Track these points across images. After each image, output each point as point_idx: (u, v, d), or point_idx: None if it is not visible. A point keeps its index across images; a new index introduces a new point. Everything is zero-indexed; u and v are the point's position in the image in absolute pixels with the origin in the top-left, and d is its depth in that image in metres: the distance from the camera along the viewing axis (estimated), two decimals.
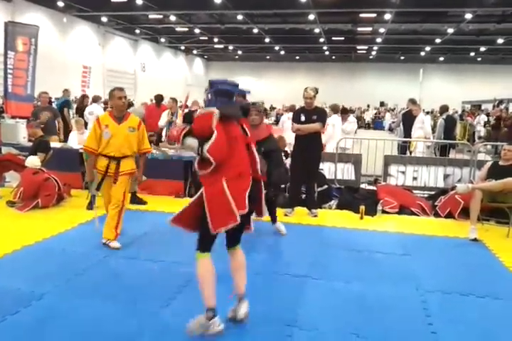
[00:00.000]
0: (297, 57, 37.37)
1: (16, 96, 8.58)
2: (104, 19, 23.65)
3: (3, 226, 5.23)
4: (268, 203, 3.45)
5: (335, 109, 9.00)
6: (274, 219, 5.29)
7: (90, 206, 6.08)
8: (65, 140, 8.31)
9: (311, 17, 20.97)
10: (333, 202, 6.74)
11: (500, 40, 25.46)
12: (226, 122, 2.89)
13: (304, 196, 6.41)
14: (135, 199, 6.43)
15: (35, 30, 8.93)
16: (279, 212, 6.05)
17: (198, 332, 2.89)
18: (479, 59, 33.94)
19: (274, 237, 5.25)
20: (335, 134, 8.18)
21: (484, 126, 16.67)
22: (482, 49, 29.27)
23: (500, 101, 23.94)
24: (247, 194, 2.87)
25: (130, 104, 11.75)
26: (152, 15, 22.95)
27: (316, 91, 5.96)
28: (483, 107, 23.93)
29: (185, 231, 3.09)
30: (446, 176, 7.63)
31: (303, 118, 5.95)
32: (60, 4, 20.13)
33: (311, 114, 5.91)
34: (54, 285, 3.68)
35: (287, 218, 5.97)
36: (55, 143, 7.33)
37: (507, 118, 13.33)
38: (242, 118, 3.09)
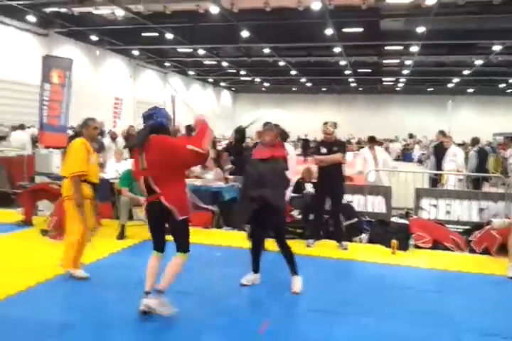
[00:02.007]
0: (323, 89, 37.72)
1: (50, 127, 8.82)
2: (135, 52, 24.52)
3: (36, 255, 5.28)
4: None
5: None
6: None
7: (121, 236, 6.12)
8: None
9: (337, 50, 21.24)
10: (364, 236, 6.60)
11: None
12: None
13: (331, 228, 6.38)
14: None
15: (70, 63, 9.26)
16: (301, 243, 6.00)
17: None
18: (509, 90, 33.56)
19: (301, 271, 5.15)
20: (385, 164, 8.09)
21: None
22: (511, 81, 29.00)
23: None
24: None
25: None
26: (181, 49, 23.68)
27: (335, 125, 6.12)
28: None
29: None
30: (480, 210, 7.40)
31: (324, 150, 6.09)
32: (94, 38, 20.99)
33: (331, 145, 6.06)
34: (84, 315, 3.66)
35: (310, 250, 5.90)
36: None
37: None
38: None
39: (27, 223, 6.66)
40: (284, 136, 5.82)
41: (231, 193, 7.10)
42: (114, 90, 23.31)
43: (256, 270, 4.63)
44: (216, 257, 5.54)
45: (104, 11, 17.00)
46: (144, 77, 28.52)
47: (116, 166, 7.69)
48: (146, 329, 3.52)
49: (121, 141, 11.87)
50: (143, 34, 20.26)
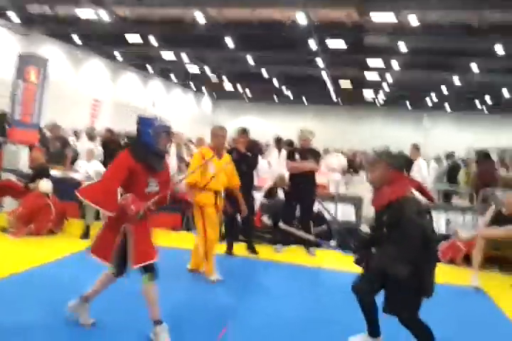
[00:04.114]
0: (305, 101, 38.00)
1: (22, 123, 8.67)
2: (117, 55, 24.37)
3: None
4: None
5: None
6: None
7: (85, 235, 5.99)
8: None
9: (320, 63, 21.48)
10: (332, 243, 6.60)
11: (505, 92, 25.90)
12: None
13: None
14: None
15: (45, 62, 9.16)
16: (269, 248, 5.97)
17: None
18: (485, 109, 34.40)
19: (268, 277, 5.11)
20: None
21: None
22: (488, 99, 29.72)
23: (504, 150, 24.02)
24: None
25: None
26: (164, 54, 23.61)
27: (312, 134, 6.16)
28: None
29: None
30: (448, 222, 7.51)
31: (297, 157, 6.07)
32: (75, 38, 20.79)
33: (305, 153, 6.06)
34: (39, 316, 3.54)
35: (279, 255, 5.88)
36: (55, 172, 7.31)
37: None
38: None
39: None
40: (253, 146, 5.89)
41: None
42: (94, 92, 23.10)
43: None
44: (184, 260, 5.44)
45: (88, 13, 16.85)
46: (124, 79, 28.32)
47: (86, 166, 7.54)
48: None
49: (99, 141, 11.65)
50: (126, 37, 20.14)
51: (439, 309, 4.43)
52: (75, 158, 9.04)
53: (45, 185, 6.15)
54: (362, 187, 8.28)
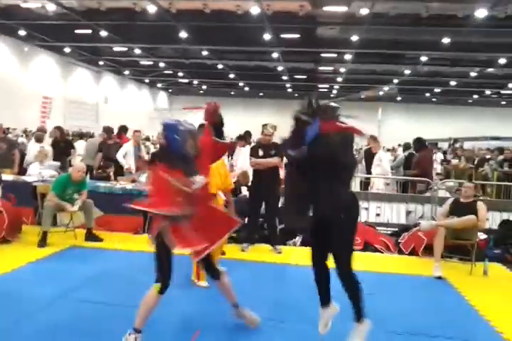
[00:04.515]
0: (261, 94, 38.03)
1: None
2: (67, 50, 23.43)
3: None
4: None
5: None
6: None
7: (42, 243, 5.73)
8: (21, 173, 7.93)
9: (275, 55, 21.49)
10: (298, 239, 6.62)
11: (453, 83, 26.80)
12: None
13: (266, 232, 6.35)
14: (90, 236, 6.10)
15: None
16: (236, 247, 5.92)
17: None
18: (434, 99, 35.54)
19: (235, 276, 5.05)
20: None
21: (441, 163, 17.19)
22: (436, 90, 30.70)
23: (455, 140, 24.90)
24: None
25: (91, 136, 11.51)
26: (116, 48, 22.93)
27: (275, 128, 6.08)
28: (439, 145, 24.80)
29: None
30: (408, 213, 7.69)
31: (261, 153, 6.01)
32: (22, 33, 19.79)
33: (269, 149, 5.98)
34: None
35: (245, 254, 5.83)
36: (7, 176, 6.95)
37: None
38: None
39: None
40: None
41: None
42: (43, 89, 22.20)
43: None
44: (148, 264, 5.28)
45: (33, 4, 16.09)
46: (75, 75, 27.34)
47: (39, 168, 7.21)
48: None
49: (48, 141, 11.18)
50: (76, 31, 19.36)
51: (404, 300, 4.53)
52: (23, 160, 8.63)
53: None
54: None
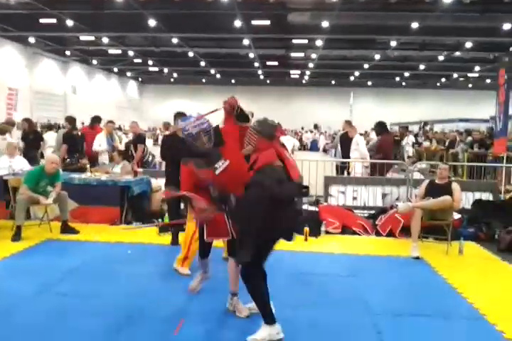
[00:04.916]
0: (233, 81, 37.77)
1: None
2: (31, 40, 22.67)
3: None
4: None
5: None
6: None
7: (16, 237, 5.58)
8: None
9: (246, 42, 21.30)
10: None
11: (422, 66, 27.17)
12: None
13: None
14: (66, 229, 5.98)
15: None
16: None
17: None
18: (404, 83, 36.00)
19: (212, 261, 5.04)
20: None
21: (413, 146, 17.51)
22: (406, 74, 31.10)
23: (425, 123, 25.34)
24: None
25: (59, 127, 11.23)
26: (83, 37, 22.30)
27: (252, 115, 6.02)
28: (410, 128, 25.23)
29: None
30: (384, 195, 7.80)
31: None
32: None
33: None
34: None
35: None
36: None
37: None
38: None
39: None
40: None
41: (140, 187, 6.79)
42: (8, 80, 21.48)
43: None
44: (127, 255, 5.24)
45: None
46: (42, 66, 26.53)
47: (9, 162, 6.98)
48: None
49: (17, 134, 10.86)
50: (40, 20, 18.70)
51: (385, 281, 4.61)
52: None
53: None
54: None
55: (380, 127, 9.23)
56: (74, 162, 8.12)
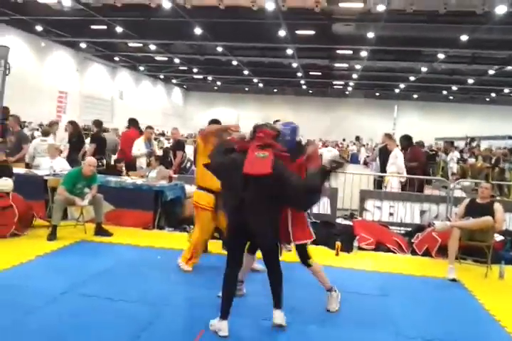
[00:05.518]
0: (275, 90, 37.89)
1: None
2: (82, 45, 23.60)
3: None
4: None
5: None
6: None
7: (52, 237, 5.72)
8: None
9: (290, 51, 21.34)
10: None
11: (470, 81, 26.36)
12: None
13: None
14: (100, 231, 6.08)
15: (5, 51, 8.64)
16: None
17: None
18: (451, 97, 35.02)
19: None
20: None
21: (457, 162, 16.92)
22: (454, 88, 30.25)
23: (472, 139, 24.47)
24: None
25: (105, 131, 11.52)
26: (132, 44, 23.01)
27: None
28: (455, 144, 24.46)
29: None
30: (422, 212, 7.52)
31: None
32: (39, 28, 20.00)
33: None
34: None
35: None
36: (18, 169, 6.96)
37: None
38: None
39: None
40: None
41: (174, 192, 6.83)
42: (59, 83, 22.35)
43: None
44: (156, 260, 5.26)
45: (50, 0, 16.22)
46: (91, 71, 27.52)
47: (50, 162, 7.20)
48: None
49: (61, 136, 11.20)
50: (91, 26, 19.48)
51: (417, 302, 4.41)
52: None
53: (3, 184, 5.81)
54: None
55: (406, 140, 8.90)
56: (99, 164, 8.24)
